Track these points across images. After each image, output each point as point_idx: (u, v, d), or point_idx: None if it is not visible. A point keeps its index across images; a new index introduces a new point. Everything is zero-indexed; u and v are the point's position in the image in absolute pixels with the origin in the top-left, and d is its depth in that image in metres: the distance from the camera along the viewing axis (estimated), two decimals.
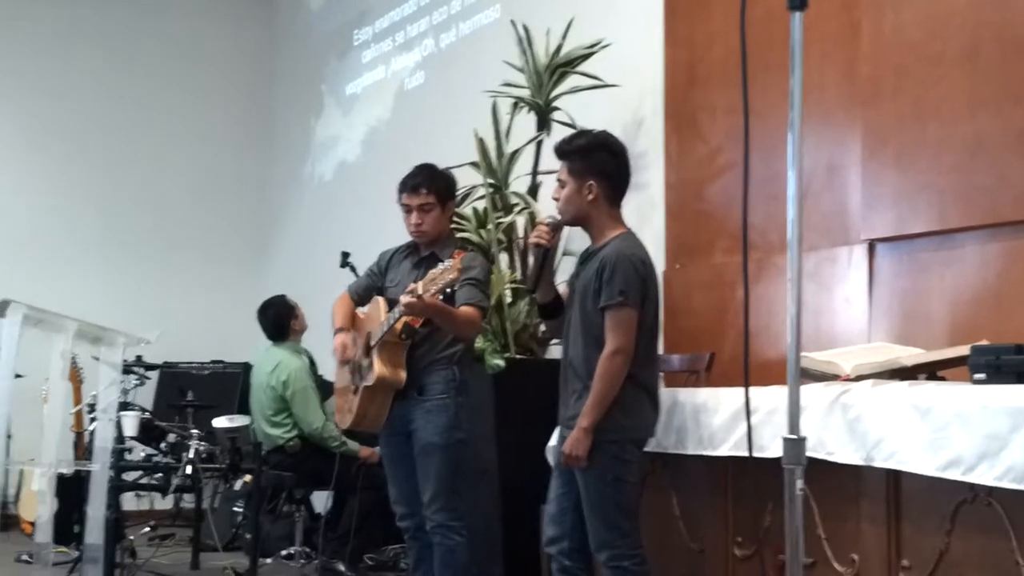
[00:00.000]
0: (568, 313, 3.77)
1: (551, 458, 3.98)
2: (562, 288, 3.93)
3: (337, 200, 8.55)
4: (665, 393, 3.97)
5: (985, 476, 2.68)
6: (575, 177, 3.67)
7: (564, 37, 5.42)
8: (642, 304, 3.60)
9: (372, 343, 4.25)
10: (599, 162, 3.68)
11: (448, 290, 3.93)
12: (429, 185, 4.29)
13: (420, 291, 3.85)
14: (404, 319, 4.11)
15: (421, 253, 4.38)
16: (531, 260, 3.83)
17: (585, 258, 3.77)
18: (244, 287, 8.71)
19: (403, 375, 4.21)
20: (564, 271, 4.45)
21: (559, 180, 3.73)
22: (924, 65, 4.01)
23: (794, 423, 2.25)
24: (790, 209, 2.24)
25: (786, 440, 2.24)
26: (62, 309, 5.06)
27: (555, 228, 3.74)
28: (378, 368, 4.18)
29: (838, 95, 4.43)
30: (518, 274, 5.32)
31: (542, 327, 5.18)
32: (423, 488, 4.24)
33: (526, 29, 5.52)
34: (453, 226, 4.89)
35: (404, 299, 3.94)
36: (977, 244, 3.84)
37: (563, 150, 3.74)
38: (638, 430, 3.66)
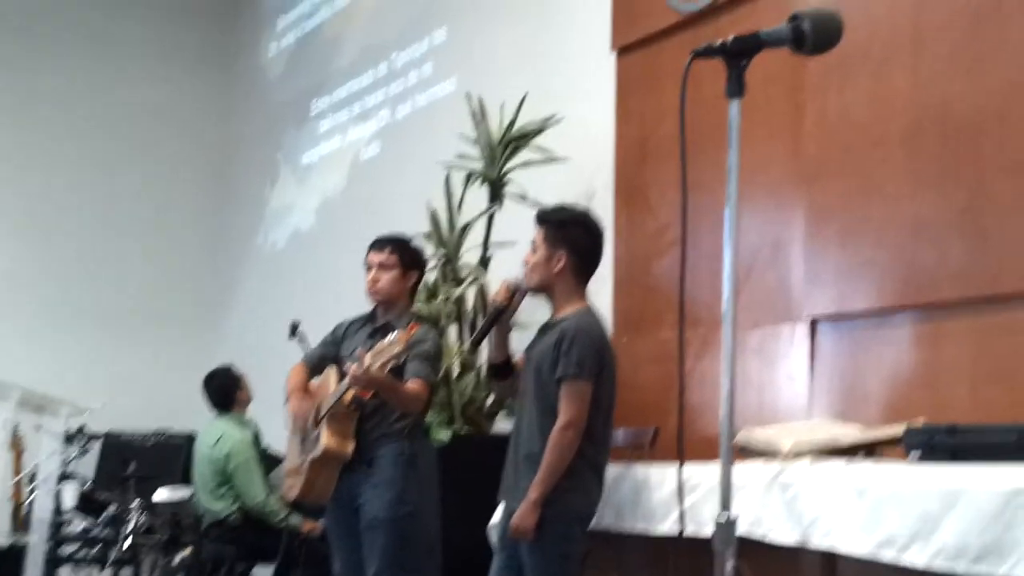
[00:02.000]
0: (523, 383, 3.77)
1: (493, 536, 3.93)
2: (518, 356, 3.93)
3: (289, 269, 8.52)
4: (609, 468, 3.95)
5: (917, 557, 2.68)
6: (548, 244, 3.71)
7: (518, 111, 5.46)
8: (597, 380, 3.61)
9: (321, 414, 4.21)
10: (575, 236, 3.73)
11: (395, 362, 3.90)
12: (394, 246, 4.35)
13: (366, 363, 3.83)
14: (353, 390, 4.08)
15: (376, 323, 4.37)
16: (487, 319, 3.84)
17: (544, 329, 3.78)
18: (192, 355, 8.61)
19: (350, 447, 4.17)
20: (521, 341, 4.44)
21: (533, 243, 3.76)
22: (868, 145, 4.07)
23: (726, 503, 2.23)
24: (725, 285, 2.25)
25: (717, 523, 2.22)
26: (6, 373, 5.00)
27: (514, 290, 3.76)
28: (325, 439, 4.14)
29: (784, 173, 4.48)
30: (466, 347, 5.31)
31: (489, 399, 5.16)
32: (368, 563, 4.18)
33: (481, 103, 5.57)
34: None
35: (352, 371, 3.91)
36: (915, 323, 3.88)
37: (543, 217, 3.79)
38: (585, 507, 3.65)
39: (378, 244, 4.37)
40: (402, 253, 4.34)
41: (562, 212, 3.84)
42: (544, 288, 3.76)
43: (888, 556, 2.75)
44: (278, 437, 5.53)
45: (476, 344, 3.84)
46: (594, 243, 3.79)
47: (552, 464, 3.53)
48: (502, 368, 3.87)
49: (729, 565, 2.31)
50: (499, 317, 3.77)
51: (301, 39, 8.89)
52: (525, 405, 3.72)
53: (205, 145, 9.66)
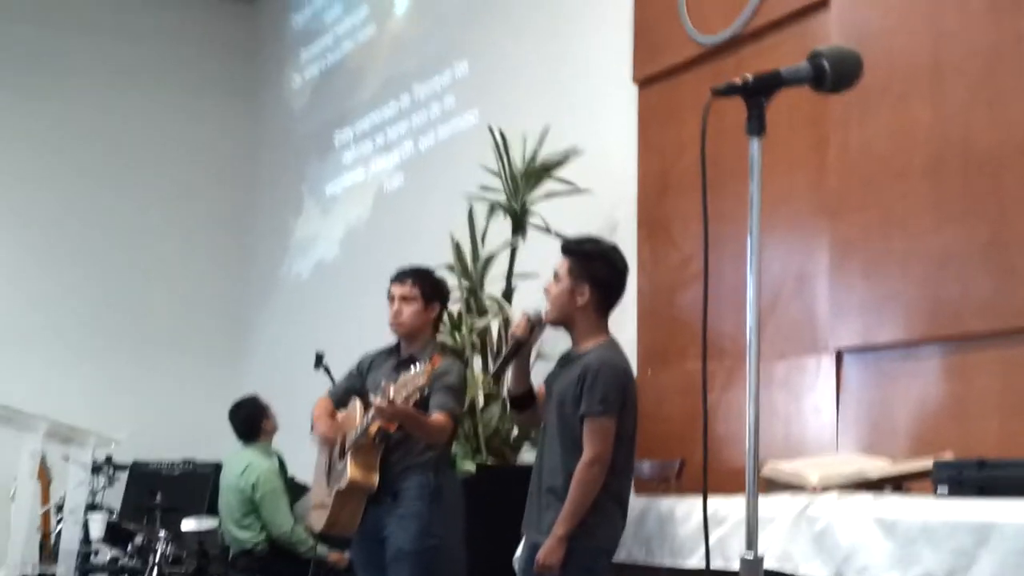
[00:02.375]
0: (544, 416, 3.79)
1: (518, 568, 3.95)
2: (538, 386, 3.95)
3: (313, 299, 8.57)
4: (635, 501, 3.97)
5: None
6: (572, 277, 3.73)
7: (540, 143, 5.50)
8: (620, 413, 3.63)
9: (347, 446, 4.24)
10: (599, 271, 3.75)
11: (420, 394, 3.93)
12: (415, 279, 4.38)
13: (391, 396, 3.86)
14: (378, 423, 4.10)
15: (401, 356, 4.39)
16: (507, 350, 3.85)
17: (565, 361, 3.80)
18: (218, 385, 8.66)
19: (375, 479, 4.19)
20: (541, 371, 4.46)
21: (556, 273, 3.77)
22: (890, 179, 4.09)
23: (752, 541, 2.23)
24: (748, 316, 2.25)
25: (743, 560, 2.22)
26: (34, 404, 5.06)
27: (534, 324, 3.76)
28: (351, 472, 4.17)
29: (807, 205, 4.50)
30: (491, 378, 5.32)
31: (515, 430, 5.18)
32: None
33: (503, 135, 5.61)
34: None
35: (375, 403, 3.94)
36: (942, 355, 3.88)
37: (569, 248, 3.82)
38: (610, 541, 3.67)
39: (400, 276, 4.40)
40: (423, 285, 4.37)
41: (589, 245, 3.85)
42: (565, 320, 3.78)
43: None
44: (303, 467, 5.55)
45: (498, 376, 3.87)
46: (618, 279, 3.82)
47: (577, 500, 3.56)
48: (523, 399, 3.88)
49: None
50: (519, 349, 3.78)
51: (325, 71, 8.97)
52: (547, 439, 3.74)
53: (230, 176, 9.74)
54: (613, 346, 3.78)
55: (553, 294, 3.75)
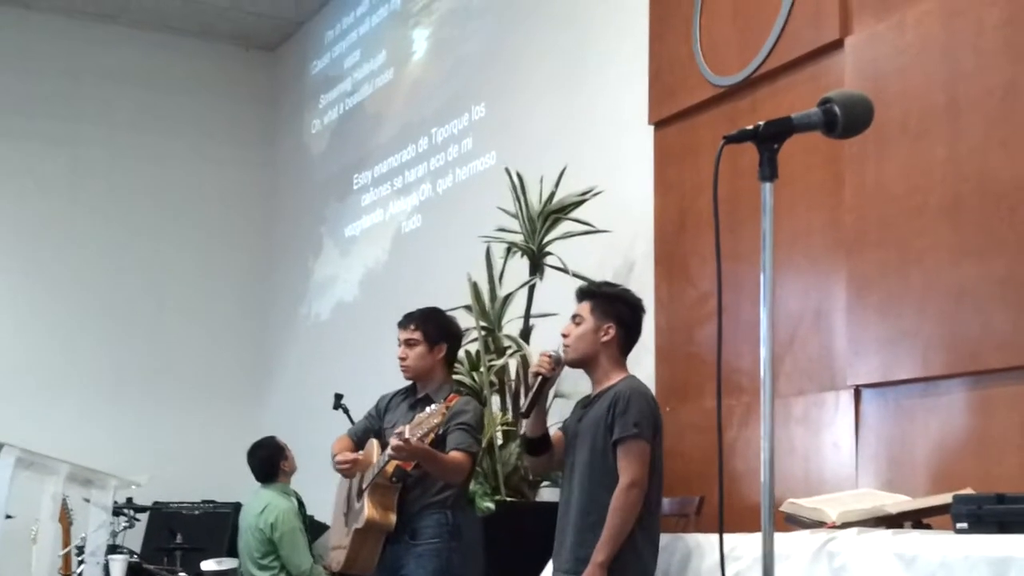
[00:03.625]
0: (569, 458, 3.80)
1: None
2: (552, 431, 3.96)
3: (333, 340, 8.61)
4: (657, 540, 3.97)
5: None
6: (596, 316, 3.80)
7: (557, 184, 5.54)
8: (653, 441, 3.67)
9: (364, 485, 4.25)
10: (621, 310, 3.84)
11: (434, 435, 3.95)
12: (418, 322, 4.42)
13: (407, 435, 3.88)
14: (394, 462, 4.12)
15: (417, 395, 4.42)
16: (526, 390, 3.94)
17: (589, 402, 3.83)
18: (237, 426, 8.70)
19: (393, 518, 4.20)
20: (556, 414, 4.48)
21: (576, 317, 3.83)
22: (907, 216, 4.10)
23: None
24: (762, 353, 2.27)
25: None
26: (54, 446, 5.09)
27: (557, 361, 3.80)
28: (368, 511, 4.18)
29: (824, 242, 4.51)
30: (510, 416, 5.34)
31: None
32: None
33: (520, 176, 5.65)
34: None
35: (392, 442, 3.96)
36: (961, 391, 3.88)
37: (589, 291, 3.91)
38: (643, 573, 3.66)
39: (403, 321, 4.46)
40: (425, 327, 4.41)
41: (607, 287, 3.97)
42: (588, 359, 3.82)
43: None
44: (322, 506, 5.57)
45: (528, 412, 3.83)
46: (638, 319, 3.91)
47: (617, 526, 3.56)
48: (539, 444, 3.89)
49: None
50: (544, 387, 3.81)
51: (343, 115, 9.06)
52: (575, 478, 3.75)
53: (250, 219, 9.82)
54: (637, 379, 3.84)
55: (576, 334, 3.81)
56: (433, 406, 3.98)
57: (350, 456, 4.34)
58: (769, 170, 2.32)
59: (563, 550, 3.74)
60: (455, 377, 5.33)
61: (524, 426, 3.96)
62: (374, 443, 4.36)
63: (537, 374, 3.79)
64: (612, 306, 3.84)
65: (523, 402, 3.98)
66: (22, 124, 9.06)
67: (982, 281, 3.82)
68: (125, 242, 9.30)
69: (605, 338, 3.79)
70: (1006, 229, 3.77)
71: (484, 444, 4.90)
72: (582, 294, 3.91)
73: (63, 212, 9.15)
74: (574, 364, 3.86)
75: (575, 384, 4.50)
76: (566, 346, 3.83)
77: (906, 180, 4.13)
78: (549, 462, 3.98)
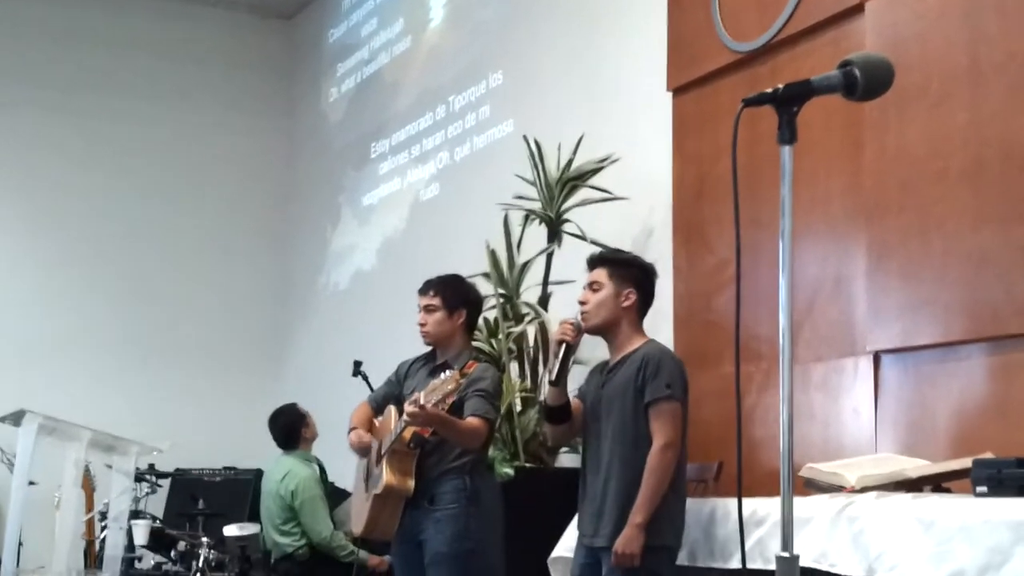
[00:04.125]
0: (595, 424, 3.81)
1: (555, 569, 3.97)
2: (571, 400, 3.97)
3: (352, 309, 8.64)
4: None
5: None
6: (615, 282, 3.81)
7: (575, 152, 5.53)
8: (683, 400, 3.70)
9: (383, 451, 4.28)
10: (638, 275, 3.86)
11: (451, 400, 3.96)
12: (437, 288, 4.42)
13: (422, 401, 3.90)
14: (411, 428, 4.14)
15: (437, 362, 4.44)
16: (552, 358, 3.87)
17: (610, 368, 3.83)
18: (257, 394, 8.75)
19: (411, 484, 4.23)
20: (572, 382, 4.49)
21: (594, 284, 3.83)
22: (927, 181, 4.09)
23: (787, 539, 2.24)
24: (781, 320, 2.27)
25: (779, 558, 2.24)
26: (76, 416, 5.12)
27: (578, 329, 3.81)
28: (387, 477, 4.21)
29: (844, 208, 4.50)
30: (528, 383, 5.36)
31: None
32: None
33: (538, 144, 5.64)
34: None
35: (407, 408, 3.98)
36: (982, 356, 3.87)
37: (606, 258, 3.91)
38: (677, 539, 3.68)
39: (423, 287, 4.46)
40: (444, 294, 4.41)
41: (622, 253, 3.98)
42: (609, 325, 3.82)
43: None
44: (343, 473, 5.60)
45: (557, 380, 3.81)
46: (653, 283, 3.93)
47: (654, 487, 3.57)
48: (561, 412, 3.89)
49: None
50: (568, 356, 3.82)
51: (360, 84, 9.04)
52: (605, 446, 3.74)
53: (268, 189, 9.84)
54: (660, 343, 3.86)
55: (596, 301, 3.80)
56: (448, 372, 3.99)
57: (365, 437, 4.36)
58: (788, 133, 2.31)
59: (601, 517, 3.71)
60: (474, 344, 5.35)
61: (544, 394, 3.96)
62: (392, 410, 4.38)
63: (561, 342, 3.78)
64: (629, 271, 3.85)
65: (546, 372, 3.97)
66: (38, 94, 9.06)
67: (1003, 246, 3.81)
68: (144, 212, 9.32)
69: (626, 303, 3.80)
70: None
71: (503, 411, 4.92)
72: (596, 261, 3.91)
73: (80, 182, 9.17)
74: (594, 331, 3.86)
75: (592, 351, 4.51)
76: (585, 312, 3.82)
77: (927, 145, 4.11)
78: (570, 430, 3.99)
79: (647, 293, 3.88)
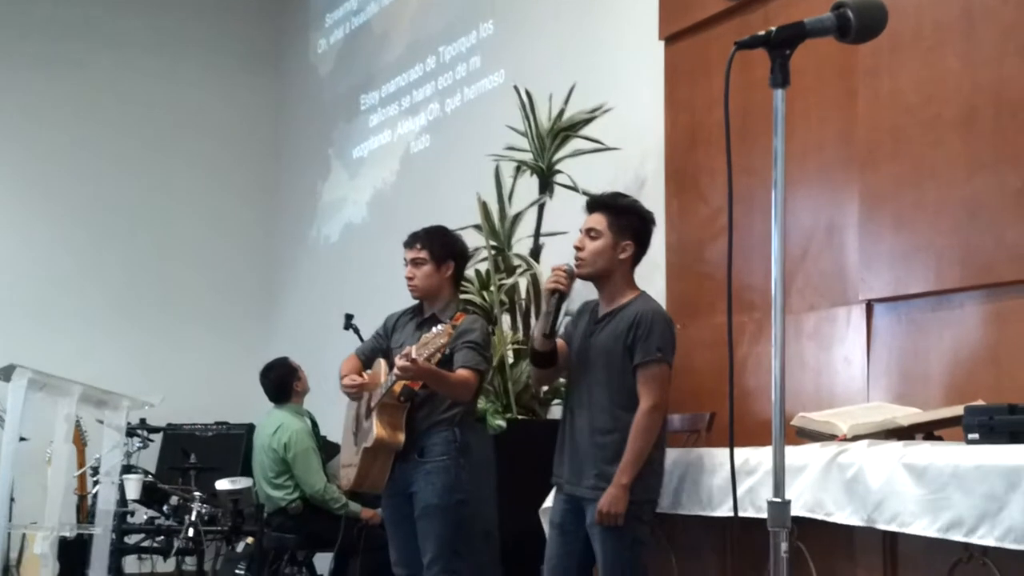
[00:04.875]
0: (579, 374, 3.80)
1: (545, 520, 3.98)
2: (558, 343, 3.95)
3: (342, 262, 8.61)
4: (668, 452, 3.99)
5: (987, 537, 2.67)
6: (614, 232, 3.74)
7: (566, 102, 5.49)
8: (671, 363, 3.70)
9: (372, 405, 4.27)
10: (638, 225, 3.79)
11: (441, 353, 3.94)
12: (424, 241, 4.39)
13: (413, 355, 3.88)
14: (402, 382, 4.13)
15: (424, 314, 4.42)
16: (544, 306, 3.81)
17: (600, 318, 3.80)
18: (249, 348, 8.74)
19: (401, 437, 4.22)
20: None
21: (592, 230, 3.75)
22: (920, 128, 4.06)
23: (779, 485, 2.24)
24: (774, 269, 2.25)
25: (770, 503, 2.24)
26: (66, 372, 5.10)
27: (571, 275, 3.75)
28: (377, 430, 4.20)
29: (837, 157, 4.47)
30: (520, 335, 5.34)
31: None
32: (424, 550, 4.23)
33: (529, 94, 5.59)
34: None
35: (398, 363, 3.96)
36: (974, 304, 3.87)
37: (607, 203, 3.81)
38: (656, 490, 3.72)
39: (409, 240, 4.43)
40: (431, 246, 4.38)
41: (622, 199, 3.87)
42: (602, 276, 3.78)
43: (957, 537, 2.75)
44: (335, 427, 5.60)
45: (551, 333, 3.78)
46: (650, 233, 3.86)
47: (640, 449, 3.59)
48: (548, 356, 3.85)
49: (784, 547, 2.32)
50: (561, 303, 3.78)
51: (349, 35, 8.96)
52: (586, 392, 3.75)
53: (257, 142, 9.77)
54: (651, 298, 3.82)
55: (592, 249, 3.73)
56: (440, 326, 3.97)
57: (357, 380, 4.35)
58: (781, 77, 2.28)
59: (581, 467, 3.72)
60: (465, 296, 5.34)
61: (533, 338, 3.92)
62: (381, 363, 4.37)
63: (555, 291, 3.72)
64: (629, 221, 3.77)
65: (538, 321, 3.90)
66: (30, 47, 8.98)
67: (996, 194, 3.79)
68: (134, 165, 9.26)
69: (623, 255, 3.75)
70: (1022, 141, 3.72)
71: (495, 363, 4.91)
72: (595, 205, 3.82)
73: (67, 138, 9.10)
74: (588, 278, 3.81)
75: (581, 296, 4.49)
76: (580, 259, 3.76)
77: (920, 92, 4.08)
78: (556, 374, 4.01)
79: (644, 244, 3.82)
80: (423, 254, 4.37)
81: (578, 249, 3.78)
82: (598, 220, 3.76)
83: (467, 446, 4.29)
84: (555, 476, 3.88)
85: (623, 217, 3.77)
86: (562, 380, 4.21)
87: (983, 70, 3.87)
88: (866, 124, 4.29)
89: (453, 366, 4.15)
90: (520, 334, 5.36)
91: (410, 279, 4.39)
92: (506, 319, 5.48)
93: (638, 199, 5.42)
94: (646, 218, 3.84)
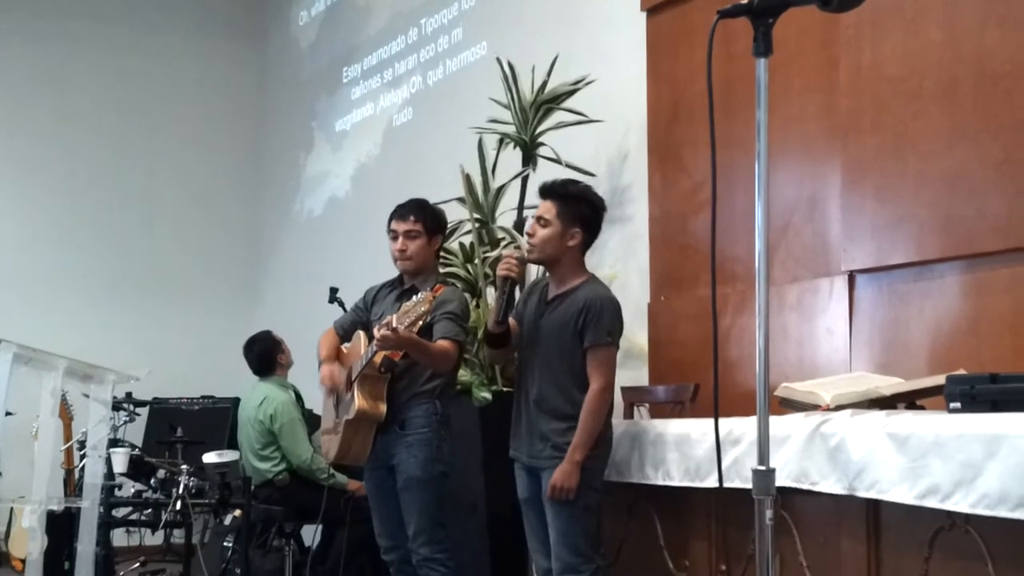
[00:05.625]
0: (529, 352, 3.93)
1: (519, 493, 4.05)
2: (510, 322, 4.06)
3: (326, 235, 8.60)
4: (651, 424, 4.03)
5: (961, 504, 2.71)
6: (563, 220, 3.86)
7: (549, 74, 5.48)
8: (618, 345, 3.88)
9: (353, 377, 4.27)
10: (586, 213, 3.90)
11: (422, 322, 3.96)
12: (417, 213, 4.39)
13: (394, 324, 3.89)
14: (382, 352, 4.14)
15: (404, 286, 4.42)
16: (498, 295, 3.96)
17: (550, 300, 3.92)
18: (233, 322, 8.74)
19: (383, 408, 4.23)
20: None
21: (541, 218, 3.89)
22: (902, 99, 4.08)
23: (763, 454, 2.28)
24: (757, 241, 2.28)
25: (755, 471, 2.28)
26: (52, 346, 5.08)
27: (522, 261, 3.93)
28: (358, 402, 4.21)
29: (819, 128, 4.49)
30: (491, 324, 5.35)
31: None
32: (407, 522, 4.26)
33: (511, 66, 5.58)
34: (440, 261, 4.94)
35: (379, 332, 3.97)
36: (955, 275, 3.90)
37: (556, 191, 3.92)
38: (604, 459, 3.86)
39: (402, 213, 4.40)
40: (426, 219, 4.39)
41: (572, 187, 3.98)
42: (551, 261, 3.93)
43: (932, 504, 2.79)
44: (319, 400, 5.62)
45: (505, 318, 3.91)
46: (600, 220, 3.98)
47: (592, 428, 3.75)
48: (502, 336, 3.98)
49: (768, 515, 2.35)
50: (514, 289, 3.94)
51: (331, 7, 8.92)
52: (537, 368, 3.88)
53: (239, 115, 9.73)
54: (600, 282, 3.96)
55: (542, 237, 3.87)
56: (420, 294, 3.98)
57: (338, 379, 4.36)
58: (764, 46, 2.31)
59: (535, 441, 3.86)
60: (449, 269, 5.35)
61: (488, 320, 4.02)
62: (361, 335, 4.37)
63: (507, 278, 3.87)
64: (578, 210, 3.88)
65: (494, 306, 4.02)
66: (12, 22, 8.93)
67: (978, 164, 3.81)
68: (116, 138, 9.23)
69: (571, 243, 3.88)
70: (1003, 111, 3.75)
71: (480, 335, 4.92)
72: (546, 192, 3.94)
73: (52, 112, 9.07)
74: (538, 263, 4.00)
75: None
76: (531, 244, 3.92)
77: (901, 63, 4.09)
78: (508, 353, 4.12)
79: (593, 231, 3.95)
80: (418, 227, 4.36)
81: (529, 236, 3.94)
82: (547, 208, 3.88)
83: (448, 418, 4.32)
84: (512, 450, 4.01)
85: (572, 205, 3.88)
86: None
87: (965, 41, 3.89)
88: (848, 95, 4.30)
89: (432, 337, 4.16)
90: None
91: (403, 251, 4.36)
92: (490, 292, 5.48)
93: (621, 172, 5.49)
94: (596, 205, 3.95)
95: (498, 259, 5.46)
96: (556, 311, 3.88)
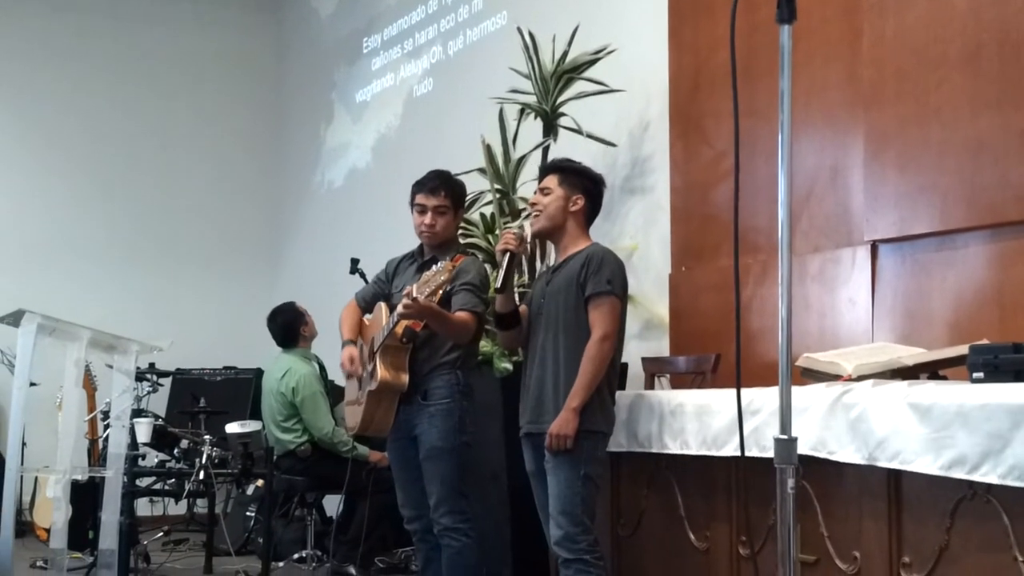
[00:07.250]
0: (539, 317, 3.93)
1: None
2: (520, 307, 4.09)
3: (347, 206, 8.61)
4: (671, 395, 4.02)
5: (990, 475, 2.70)
6: (565, 187, 3.96)
7: (570, 44, 5.46)
8: (622, 298, 3.85)
9: (375, 348, 4.29)
10: (587, 183, 4.00)
11: (442, 291, 3.96)
12: (447, 189, 4.38)
13: (415, 294, 3.90)
14: (404, 323, 4.15)
15: (425, 257, 4.43)
16: (497, 267, 4.01)
17: (555, 268, 3.98)
18: (256, 294, 8.79)
19: (405, 379, 4.25)
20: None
21: (544, 188, 3.98)
22: (925, 68, 4.04)
23: (785, 424, 2.28)
24: (780, 211, 2.27)
25: (777, 440, 2.27)
26: (76, 318, 5.12)
27: (521, 238, 3.96)
28: (380, 372, 4.22)
29: (841, 97, 4.46)
30: (526, 278, 5.36)
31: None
32: (430, 492, 4.27)
33: (532, 36, 5.56)
34: (460, 231, 4.95)
35: (402, 302, 3.98)
36: (979, 244, 3.87)
37: (557, 165, 4.07)
38: (609, 426, 3.86)
39: (431, 188, 4.36)
40: (452, 195, 4.39)
41: (572, 163, 4.10)
42: (556, 228, 3.97)
43: (960, 475, 2.77)
44: (339, 370, 5.64)
45: (504, 288, 3.96)
46: (600, 192, 4.08)
47: (590, 374, 3.74)
48: (510, 318, 4.02)
49: (790, 484, 2.36)
50: (514, 262, 3.97)
51: None
52: (548, 335, 3.88)
53: (260, 87, 9.74)
54: (604, 246, 3.98)
55: (547, 204, 3.95)
56: (440, 264, 3.99)
57: (358, 369, 4.37)
58: (788, 12, 2.30)
59: (541, 408, 3.86)
60: (470, 240, 5.36)
61: (496, 302, 4.04)
62: (382, 306, 4.38)
63: (505, 251, 3.92)
64: (579, 179, 3.99)
65: (495, 279, 4.04)
66: None
67: (1001, 133, 3.78)
68: (136, 110, 9.25)
69: (574, 208, 3.95)
70: None
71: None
72: (547, 169, 4.08)
73: (74, 82, 9.09)
74: (543, 232, 4.02)
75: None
76: (537, 213, 3.96)
77: (925, 31, 4.05)
78: (519, 336, 4.11)
79: (595, 201, 4.03)
80: (447, 202, 4.36)
81: (533, 204, 4.01)
82: (550, 180, 4.00)
83: (470, 388, 4.32)
84: (520, 423, 4.01)
85: (573, 176, 4.00)
86: None
87: (988, 8, 3.84)
88: (871, 64, 4.26)
89: (451, 309, 4.17)
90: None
91: (431, 226, 4.34)
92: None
93: (642, 142, 5.47)
94: (595, 179, 4.06)
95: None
96: (559, 274, 3.93)
